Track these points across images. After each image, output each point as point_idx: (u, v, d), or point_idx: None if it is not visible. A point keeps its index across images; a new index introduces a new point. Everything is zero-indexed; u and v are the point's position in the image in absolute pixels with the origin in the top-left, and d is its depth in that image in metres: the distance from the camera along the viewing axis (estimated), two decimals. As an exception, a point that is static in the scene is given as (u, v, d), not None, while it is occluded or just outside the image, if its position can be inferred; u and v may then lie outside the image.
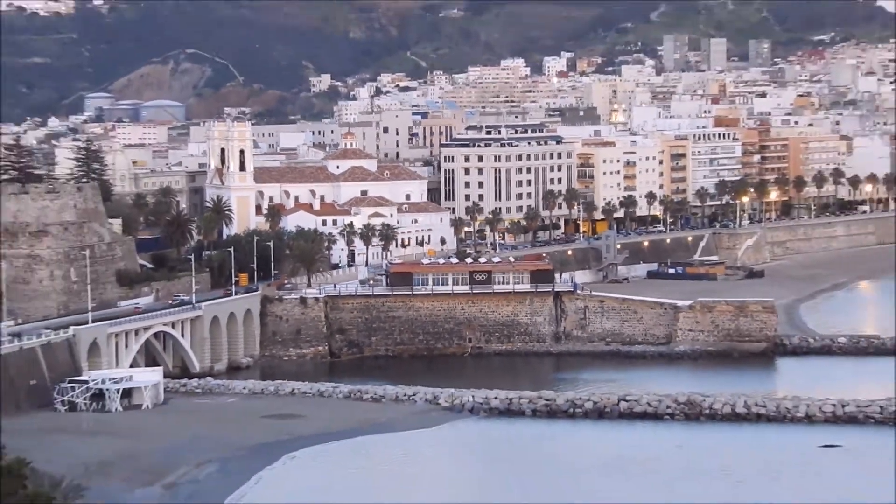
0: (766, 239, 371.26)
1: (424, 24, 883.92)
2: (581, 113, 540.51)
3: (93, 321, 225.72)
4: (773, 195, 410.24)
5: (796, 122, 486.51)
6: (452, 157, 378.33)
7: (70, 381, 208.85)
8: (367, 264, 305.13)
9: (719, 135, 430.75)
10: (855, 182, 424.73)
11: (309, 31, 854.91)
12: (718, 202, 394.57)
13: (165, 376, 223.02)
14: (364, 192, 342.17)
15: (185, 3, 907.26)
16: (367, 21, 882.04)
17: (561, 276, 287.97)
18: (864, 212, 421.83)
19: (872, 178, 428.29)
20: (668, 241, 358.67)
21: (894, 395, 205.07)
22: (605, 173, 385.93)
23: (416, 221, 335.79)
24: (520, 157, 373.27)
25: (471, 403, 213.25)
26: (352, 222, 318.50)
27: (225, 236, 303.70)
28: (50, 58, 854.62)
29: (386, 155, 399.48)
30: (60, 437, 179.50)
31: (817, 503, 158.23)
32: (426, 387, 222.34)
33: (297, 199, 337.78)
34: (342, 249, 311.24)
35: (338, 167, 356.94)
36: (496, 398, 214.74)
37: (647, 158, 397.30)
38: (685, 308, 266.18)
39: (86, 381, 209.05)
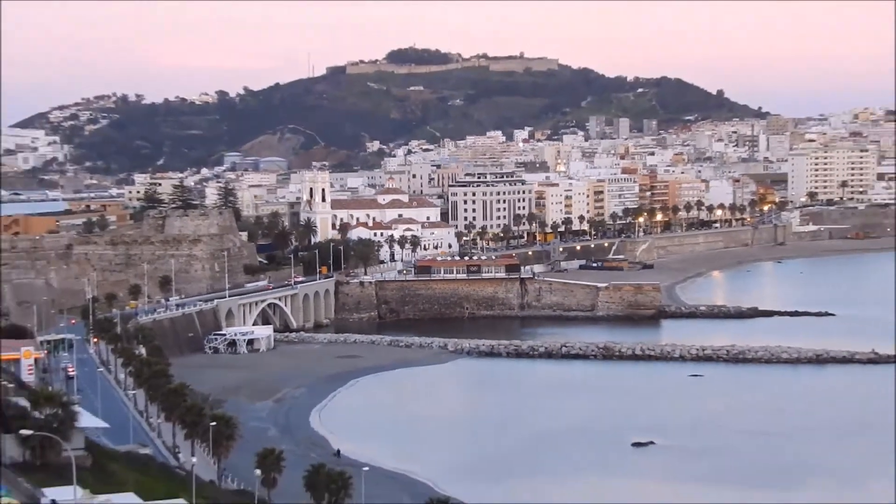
0: (654, 245, 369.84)
1: (439, 109, 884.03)
2: (537, 165, 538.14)
3: (229, 296, 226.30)
4: (659, 217, 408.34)
5: (673, 171, 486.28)
6: (456, 193, 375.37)
7: (214, 334, 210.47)
8: (401, 260, 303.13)
9: (624, 179, 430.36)
10: (710, 208, 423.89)
11: (366, 113, 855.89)
12: (624, 221, 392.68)
13: (274, 331, 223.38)
14: (400, 215, 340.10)
15: (287, 96, 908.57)
16: (402, 107, 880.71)
17: (524, 267, 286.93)
18: (716, 227, 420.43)
19: (721, 206, 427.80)
20: (592, 245, 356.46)
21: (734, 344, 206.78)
22: (552, 203, 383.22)
23: (433, 233, 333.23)
24: (498, 193, 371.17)
25: (467, 348, 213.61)
26: (392, 234, 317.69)
27: (312, 243, 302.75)
28: (201, 130, 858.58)
29: (414, 191, 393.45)
30: (208, 370, 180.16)
31: (687, 410, 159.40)
32: (439, 338, 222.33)
33: (357, 219, 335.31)
34: (386, 251, 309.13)
35: (383, 199, 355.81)
36: (483, 345, 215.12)
37: (579, 194, 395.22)
38: (603, 288, 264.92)
39: (224, 334, 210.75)
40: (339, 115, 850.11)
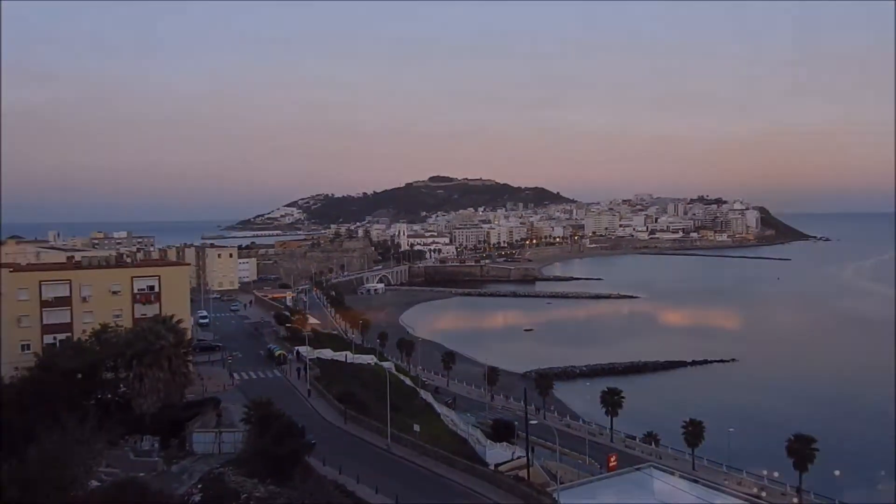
0: (532, 252, 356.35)
1: (448, 200, 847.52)
2: (488, 220, 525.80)
3: (367, 272, 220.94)
4: (534, 241, 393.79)
5: (540, 224, 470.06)
6: (456, 232, 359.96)
7: (361, 287, 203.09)
8: (433, 259, 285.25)
9: (521, 227, 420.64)
10: (554, 237, 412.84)
11: (420, 202, 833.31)
12: (521, 244, 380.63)
13: (385, 285, 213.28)
14: (434, 240, 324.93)
15: (389, 195, 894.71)
16: (435, 199, 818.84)
17: (482, 261, 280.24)
18: (557, 245, 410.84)
19: (559, 237, 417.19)
20: (509, 252, 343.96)
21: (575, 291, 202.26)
22: (493, 236, 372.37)
23: (448, 248, 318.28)
24: (471, 231, 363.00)
25: (459, 292, 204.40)
26: (430, 247, 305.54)
27: (400, 251, 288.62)
28: (357, 208, 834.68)
29: (439, 232, 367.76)
30: (359, 300, 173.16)
31: (545, 316, 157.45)
32: (449, 288, 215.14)
33: (418, 241, 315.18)
34: (428, 254, 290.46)
35: (427, 234, 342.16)
36: (466, 291, 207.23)
37: (504, 232, 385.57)
38: (513, 268, 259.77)
39: (365, 287, 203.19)
40: (410, 202, 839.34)
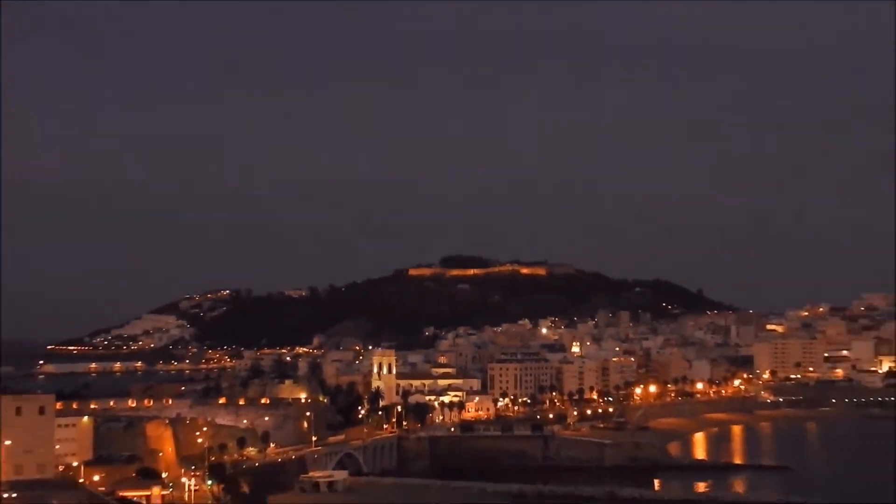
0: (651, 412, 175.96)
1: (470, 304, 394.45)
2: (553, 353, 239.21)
3: (314, 448, 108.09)
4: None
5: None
6: (497, 370, 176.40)
7: (301, 477, 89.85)
8: (450, 422, 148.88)
9: (615, 366, 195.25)
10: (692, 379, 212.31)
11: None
12: (624, 396, 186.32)
13: (350, 473, 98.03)
14: (449, 385, 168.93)
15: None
16: (451, 301, 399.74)
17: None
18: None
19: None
20: (601, 412, 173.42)
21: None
22: (569, 378, 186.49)
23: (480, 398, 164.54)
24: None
25: (505, 491, 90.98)
26: (443, 399, 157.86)
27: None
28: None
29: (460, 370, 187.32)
30: None
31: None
32: (488, 483, 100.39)
33: (418, 387, 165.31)
34: (441, 413, 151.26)
35: (436, 371, 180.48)
36: (522, 490, 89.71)
37: (591, 372, 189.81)
38: (608, 446, 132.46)
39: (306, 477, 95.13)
40: (402, 307, 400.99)
